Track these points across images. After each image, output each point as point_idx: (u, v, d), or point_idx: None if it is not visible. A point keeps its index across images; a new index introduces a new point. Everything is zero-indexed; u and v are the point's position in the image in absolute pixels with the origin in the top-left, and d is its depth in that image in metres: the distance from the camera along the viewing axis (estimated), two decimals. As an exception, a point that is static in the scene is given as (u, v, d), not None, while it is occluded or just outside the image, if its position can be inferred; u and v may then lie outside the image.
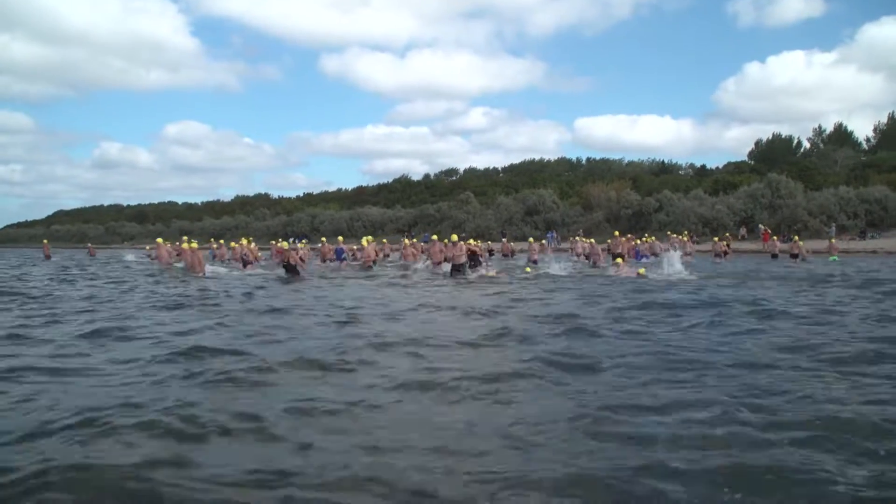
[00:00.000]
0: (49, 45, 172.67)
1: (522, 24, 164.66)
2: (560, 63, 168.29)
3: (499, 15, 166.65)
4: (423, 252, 29.82)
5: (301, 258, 22.31)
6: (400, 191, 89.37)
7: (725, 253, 34.20)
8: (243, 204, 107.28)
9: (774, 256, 31.75)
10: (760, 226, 46.38)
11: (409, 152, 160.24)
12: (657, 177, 73.73)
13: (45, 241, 46.88)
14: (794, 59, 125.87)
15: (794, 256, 29.90)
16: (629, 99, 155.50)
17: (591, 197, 62.96)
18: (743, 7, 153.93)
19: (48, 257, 37.71)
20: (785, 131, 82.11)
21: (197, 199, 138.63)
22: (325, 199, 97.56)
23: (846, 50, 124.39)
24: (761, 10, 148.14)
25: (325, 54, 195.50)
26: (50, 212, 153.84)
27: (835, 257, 31.14)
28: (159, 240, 27.88)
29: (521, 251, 36.36)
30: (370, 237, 29.35)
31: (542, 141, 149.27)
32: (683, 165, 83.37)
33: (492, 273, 20.56)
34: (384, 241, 35.28)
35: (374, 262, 25.86)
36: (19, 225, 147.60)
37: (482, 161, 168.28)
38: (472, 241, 27.12)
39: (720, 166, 77.92)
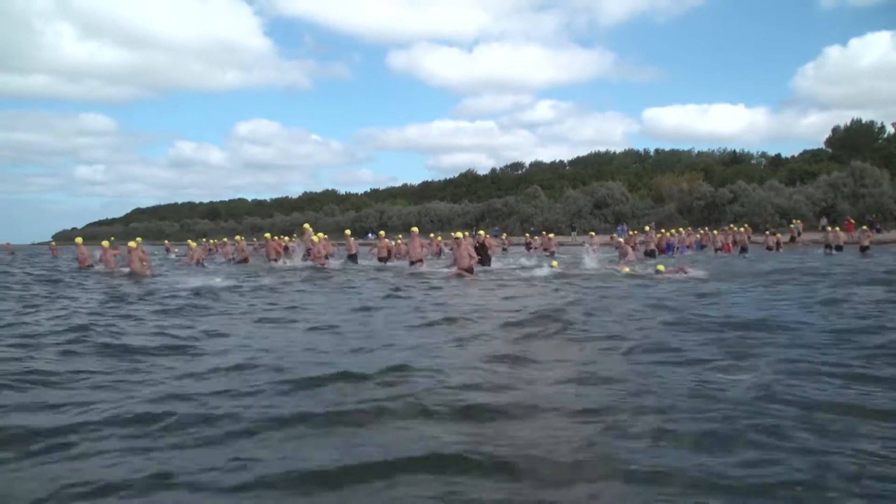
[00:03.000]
0: (132, 50, 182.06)
1: (593, 14, 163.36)
2: (630, 53, 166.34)
3: (569, 6, 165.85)
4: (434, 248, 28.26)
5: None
6: (466, 185, 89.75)
7: (778, 245, 32.76)
8: (311, 200, 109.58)
9: (839, 248, 28.63)
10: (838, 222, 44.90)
11: (474, 146, 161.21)
12: (728, 167, 72.01)
13: (53, 242, 50.68)
14: (879, 40, 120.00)
15: (865, 249, 27.22)
16: (700, 88, 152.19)
17: (662, 188, 62.01)
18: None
19: (55, 256, 40.85)
20: (867, 117, 78.89)
21: (266, 196, 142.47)
22: (392, 194, 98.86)
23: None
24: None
25: (394, 50, 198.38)
26: (128, 210, 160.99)
27: None
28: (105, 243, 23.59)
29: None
30: (309, 231, 24.55)
31: (609, 133, 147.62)
32: (755, 155, 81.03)
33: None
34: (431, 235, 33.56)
35: (328, 256, 22.51)
36: (100, 223, 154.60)
37: (548, 154, 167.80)
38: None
39: (795, 155, 75.60)
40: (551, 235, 35.15)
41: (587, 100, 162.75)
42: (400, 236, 37.13)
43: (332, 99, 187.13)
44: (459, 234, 18.33)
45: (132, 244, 19.67)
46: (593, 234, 33.26)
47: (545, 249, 32.64)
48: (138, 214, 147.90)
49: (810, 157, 69.16)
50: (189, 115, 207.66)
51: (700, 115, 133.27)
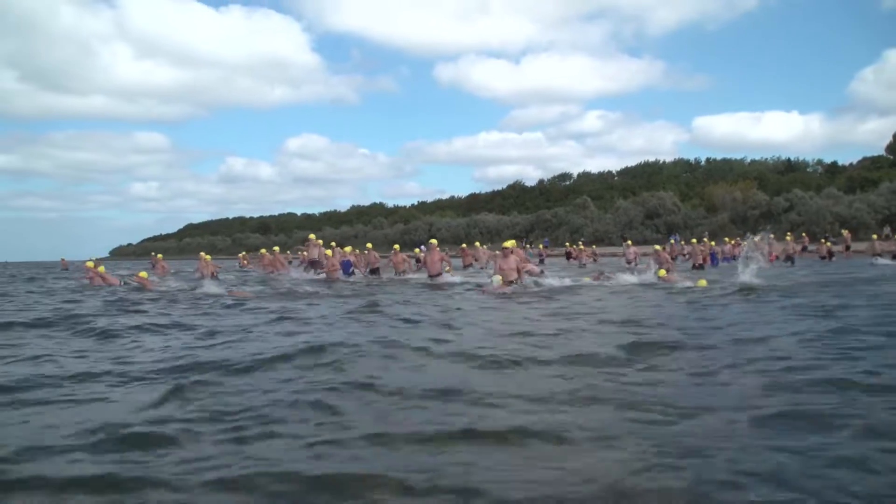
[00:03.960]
0: (185, 69, 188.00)
1: (642, 23, 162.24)
2: (679, 61, 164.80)
3: (618, 15, 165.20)
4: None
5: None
6: (514, 197, 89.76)
7: (830, 255, 30.92)
8: (360, 214, 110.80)
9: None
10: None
11: (521, 158, 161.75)
12: (783, 175, 70.60)
13: (63, 258, 53.58)
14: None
15: None
16: (752, 95, 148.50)
17: (715, 198, 61.08)
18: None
19: (65, 268, 43.83)
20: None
21: (315, 210, 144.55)
22: (440, 206, 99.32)
23: None
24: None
25: (441, 63, 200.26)
26: (181, 225, 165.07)
27: None
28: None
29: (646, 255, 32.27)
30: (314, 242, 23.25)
31: (659, 142, 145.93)
32: (811, 163, 79.22)
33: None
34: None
35: (354, 272, 21.14)
36: (154, 238, 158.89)
37: (596, 165, 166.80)
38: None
39: (853, 162, 73.75)
40: (582, 247, 34.09)
41: (636, 109, 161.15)
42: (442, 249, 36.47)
43: (380, 113, 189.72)
44: (510, 243, 16.18)
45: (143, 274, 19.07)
46: (629, 241, 32.37)
47: (580, 261, 32.12)
48: (191, 230, 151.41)
49: (870, 164, 67.37)
50: (239, 132, 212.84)
51: (752, 122, 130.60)
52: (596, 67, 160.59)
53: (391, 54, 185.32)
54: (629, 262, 27.80)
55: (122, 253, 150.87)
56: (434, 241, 19.03)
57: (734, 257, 31.00)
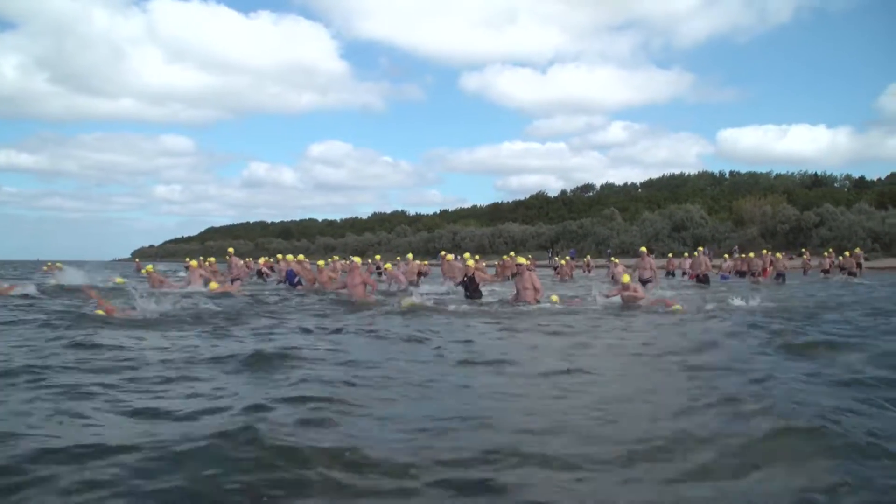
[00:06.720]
0: (214, 74, 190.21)
1: (671, 35, 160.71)
2: (708, 73, 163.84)
3: (648, 26, 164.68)
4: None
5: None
6: (537, 207, 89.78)
7: (843, 269, 28.76)
8: (381, 221, 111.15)
9: (852, 274, 27.28)
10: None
11: (544, 168, 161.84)
12: (810, 190, 70.21)
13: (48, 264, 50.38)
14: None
15: None
16: (779, 108, 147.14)
17: (744, 212, 60.78)
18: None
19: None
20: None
21: (336, 216, 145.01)
22: (462, 215, 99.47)
23: None
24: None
25: (466, 72, 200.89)
26: (202, 228, 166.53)
27: None
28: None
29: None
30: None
31: (683, 154, 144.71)
32: (839, 177, 78.69)
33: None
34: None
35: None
36: (176, 241, 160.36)
37: (619, 176, 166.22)
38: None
39: (882, 178, 73.27)
40: (565, 261, 30.88)
41: (661, 121, 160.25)
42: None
43: (404, 120, 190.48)
44: (523, 260, 14.34)
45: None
46: (616, 259, 29.44)
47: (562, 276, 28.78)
48: (212, 233, 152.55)
49: (900, 179, 66.92)
50: (264, 137, 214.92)
51: (778, 136, 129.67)
52: (623, 78, 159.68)
53: (418, 62, 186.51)
54: (614, 280, 25.03)
55: (143, 254, 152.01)
56: (357, 258, 15.51)
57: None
